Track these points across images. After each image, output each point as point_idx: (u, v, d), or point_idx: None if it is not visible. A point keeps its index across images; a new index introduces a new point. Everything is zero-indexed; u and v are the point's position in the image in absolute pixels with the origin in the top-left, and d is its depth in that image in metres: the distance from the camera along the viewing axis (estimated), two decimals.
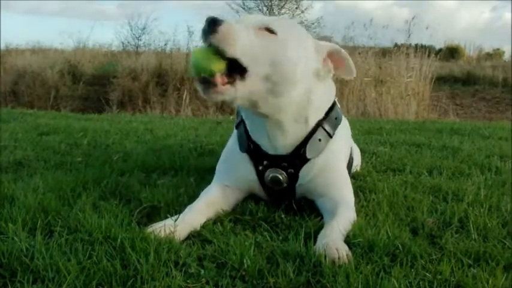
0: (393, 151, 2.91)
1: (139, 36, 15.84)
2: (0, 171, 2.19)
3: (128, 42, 15.83)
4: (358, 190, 1.89)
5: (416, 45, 8.03)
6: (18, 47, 14.06)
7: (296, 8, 17.85)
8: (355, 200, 1.68)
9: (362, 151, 2.54)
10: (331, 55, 1.61)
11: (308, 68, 1.54)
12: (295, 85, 1.50)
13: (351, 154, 1.95)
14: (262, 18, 1.53)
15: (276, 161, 1.62)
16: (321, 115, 1.63)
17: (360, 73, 7.32)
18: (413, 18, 8.26)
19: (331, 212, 1.55)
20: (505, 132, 3.95)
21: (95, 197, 1.73)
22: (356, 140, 2.44)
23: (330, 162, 1.64)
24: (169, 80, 9.03)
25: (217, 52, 1.37)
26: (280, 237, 1.43)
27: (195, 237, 1.43)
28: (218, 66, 1.37)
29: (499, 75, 12.17)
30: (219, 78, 1.37)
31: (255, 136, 1.64)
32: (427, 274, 1.20)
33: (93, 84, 10.27)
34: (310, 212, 1.63)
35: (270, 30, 1.46)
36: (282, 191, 1.65)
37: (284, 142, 1.60)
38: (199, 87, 1.41)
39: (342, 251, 1.25)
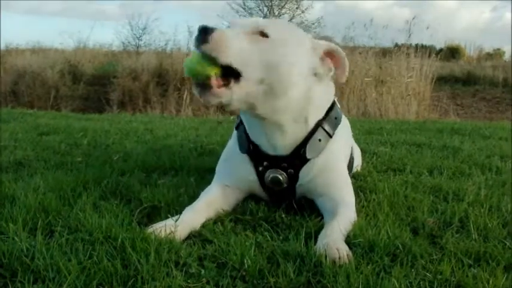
0: (394, 151, 2.91)
1: (140, 36, 15.90)
2: (1, 171, 2.19)
3: (129, 42, 15.91)
4: (358, 190, 1.89)
5: (416, 45, 8.04)
6: (18, 47, 14.05)
7: (296, 8, 17.87)
8: (356, 200, 1.68)
9: (363, 151, 2.54)
10: (329, 54, 1.60)
11: (305, 67, 1.53)
12: (293, 86, 1.50)
13: (351, 154, 1.95)
14: (253, 22, 1.52)
15: (276, 161, 1.62)
16: (321, 115, 1.63)
17: (360, 73, 7.34)
18: (413, 18, 8.25)
19: (331, 212, 1.55)
20: (505, 132, 3.95)
21: (96, 197, 1.73)
22: (357, 140, 2.44)
23: (330, 162, 1.64)
24: (169, 80, 9.03)
25: (211, 58, 1.38)
26: (281, 237, 1.43)
27: (196, 237, 1.43)
28: (213, 70, 1.39)
29: (500, 75, 12.16)
30: (214, 81, 1.39)
31: (255, 137, 1.64)
32: (428, 274, 1.20)
33: (93, 84, 10.27)
34: (310, 212, 1.63)
35: (263, 34, 1.47)
36: (282, 191, 1.65)
37: (284, 143, 1.60)
38: (195, 91, 1.44)
39: (343, 251, 1.25)
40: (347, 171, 1.74)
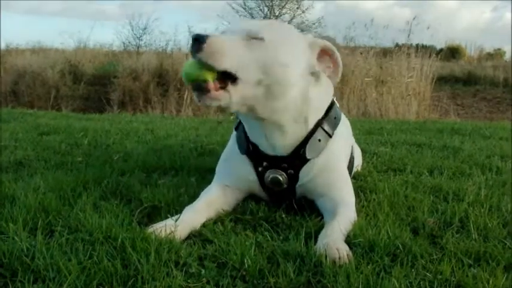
0: (394, 151, 2.91)
1: (140, 36, 15.89)
2: (1, 171, 2.19)
3: (129, 42, 15.89)
4: (358, 190, 1.89)
5: (417, 45, 8.04)
6: (18, 47, 14.05)
7: (297, 8, 17.83)
8: (356, 200, 1.68)
9: (363, 151, 2.54)
10: (326, 52, 1.60)
11: (302, 67, 1.54)
12: (290, 86, 1.50)
13: (352, 153, 1.95)
14: (248, 25, 1.53)
15: (276, 162, 1.62)
16: (320, 115, 1.63)
17: (360, 73, 7.34)
18: (414, 18, 8.24)
19: (331, 212, 1.55)
20: (505, 132, 3.95)
21: (96, 197, 1.73)
22: (357, 140, 2.43)
23: (330, 162, 1.64)
24: (170, 80, 9.02)
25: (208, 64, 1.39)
26: (281, 237, 1.43)
27: (196, 237, 1.43)
28: (210, 75, 1.40)
29: (500, 75, 12.16)
30: (211, 85, 1.39)
31: (254, 137, 1.64)
32: (428, 274, 1.20)
33: (93, 84, 10.25)
34: (310, 211, 1.63)
35: (257, 37, 1.47)
36: (282, 192, 1.65)
37: (283, 143, 1.60)
38: (194, 95, 1.44)
39: (343, 251, 1.26)
40: (347, 171, 1.74)
